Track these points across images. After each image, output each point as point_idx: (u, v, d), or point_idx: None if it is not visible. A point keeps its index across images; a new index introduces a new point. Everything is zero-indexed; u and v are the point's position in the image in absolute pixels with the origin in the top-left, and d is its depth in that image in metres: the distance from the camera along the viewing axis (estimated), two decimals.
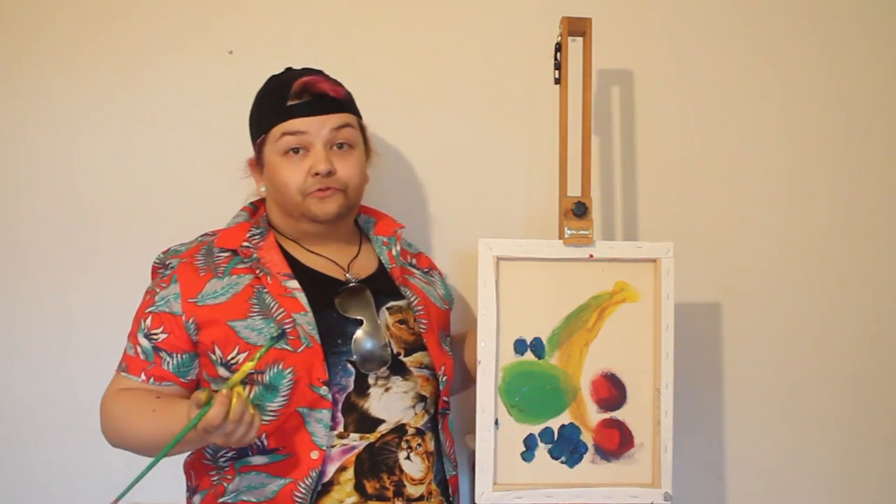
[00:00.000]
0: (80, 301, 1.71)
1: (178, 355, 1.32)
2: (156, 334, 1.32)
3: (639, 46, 1.79)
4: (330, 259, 1.42)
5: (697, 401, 1.80)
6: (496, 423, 1.38)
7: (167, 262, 1.37)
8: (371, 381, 1.32)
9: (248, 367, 1.18)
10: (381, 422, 1.32)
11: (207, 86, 1.72)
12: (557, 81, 1.47)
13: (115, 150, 1.72)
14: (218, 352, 1.30)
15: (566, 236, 1.40)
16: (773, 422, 1.83)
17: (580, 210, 1.41)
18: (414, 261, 1.53)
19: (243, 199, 1.52)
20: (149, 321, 1.32)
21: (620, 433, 1.41)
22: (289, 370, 1.27)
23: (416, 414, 1.36)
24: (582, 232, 1.41)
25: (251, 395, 1.26)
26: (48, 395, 1.70)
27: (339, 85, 1.41)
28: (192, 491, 1.39)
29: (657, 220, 1.79)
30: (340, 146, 1.38)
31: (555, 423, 1.40)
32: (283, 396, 1.27)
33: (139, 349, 1.32)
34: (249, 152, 1.46)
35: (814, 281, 1.82)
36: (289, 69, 1.44)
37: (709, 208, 1.80)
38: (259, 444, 1.29)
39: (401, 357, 1.36)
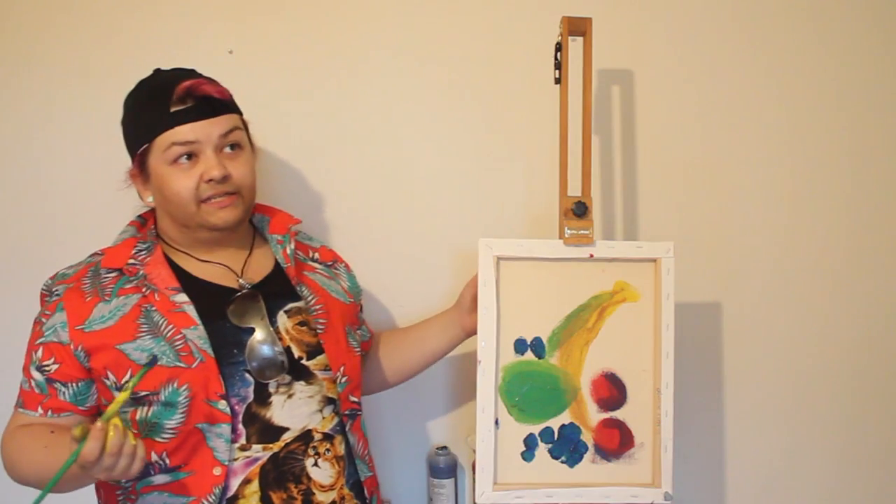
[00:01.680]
0: None
1: (73, 384, 1.27)
2: (47, 366, 1.27)
3: (639, 46, 1.79)
4: (223, 265, 1.36)
5: (697, 401, 1.80)
6: (496, 422, 1.38)
7: (53, 290, 1.31)
8: (272, 389, 1.29)
9: (122, 397, 1.14)
10: (285, 430, 1.29)
11: None
12: (557, 81, 1.47)
13: (115, 149, 1.72)
14: (111, 376, 1.25)
15: (566, 236, 1.40)
16: (773, 422, 1.83)
17: (580, 210, 1.41)
18: (316, 255, 1.48)
19: None
20: (40, 353, 1.28)
21: (620, 433, 1.41)
22: (184, 387, 1.24)
23: (324, 418, 1.33)
24: (582, 232, 1.41)
25: (148, 416, 1.24)
26: None
27: (221, 85, 1.34)
28: None
29: (657, 220, 1.79)
30: (232, 147, 1.32)
31: (555, 423, 1.40)
32: (181, 414, 1.24)
33: (33, 383, 1.28)
34: None
35: (814, 281, 1.82)
36: (158, 70, 1.37)
37: (709, 208, 1.80)
38: (161, 462, 1.25)
39: (303, 361, 1.32)
